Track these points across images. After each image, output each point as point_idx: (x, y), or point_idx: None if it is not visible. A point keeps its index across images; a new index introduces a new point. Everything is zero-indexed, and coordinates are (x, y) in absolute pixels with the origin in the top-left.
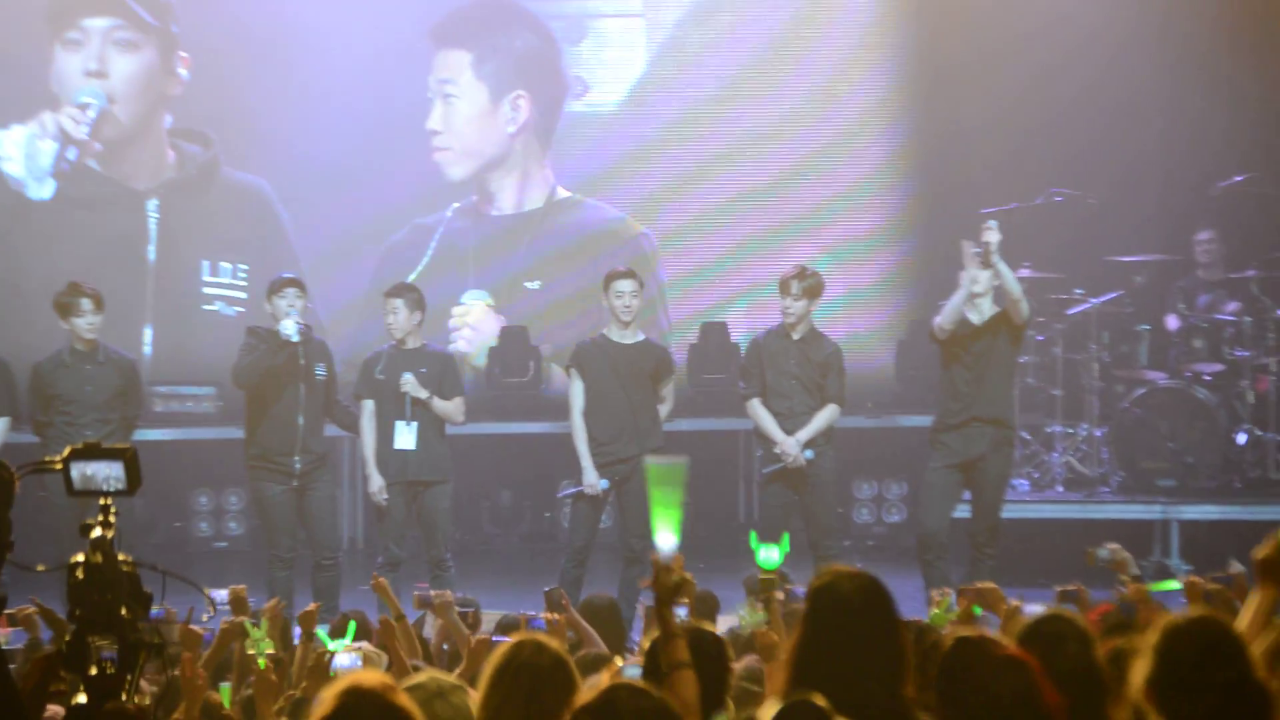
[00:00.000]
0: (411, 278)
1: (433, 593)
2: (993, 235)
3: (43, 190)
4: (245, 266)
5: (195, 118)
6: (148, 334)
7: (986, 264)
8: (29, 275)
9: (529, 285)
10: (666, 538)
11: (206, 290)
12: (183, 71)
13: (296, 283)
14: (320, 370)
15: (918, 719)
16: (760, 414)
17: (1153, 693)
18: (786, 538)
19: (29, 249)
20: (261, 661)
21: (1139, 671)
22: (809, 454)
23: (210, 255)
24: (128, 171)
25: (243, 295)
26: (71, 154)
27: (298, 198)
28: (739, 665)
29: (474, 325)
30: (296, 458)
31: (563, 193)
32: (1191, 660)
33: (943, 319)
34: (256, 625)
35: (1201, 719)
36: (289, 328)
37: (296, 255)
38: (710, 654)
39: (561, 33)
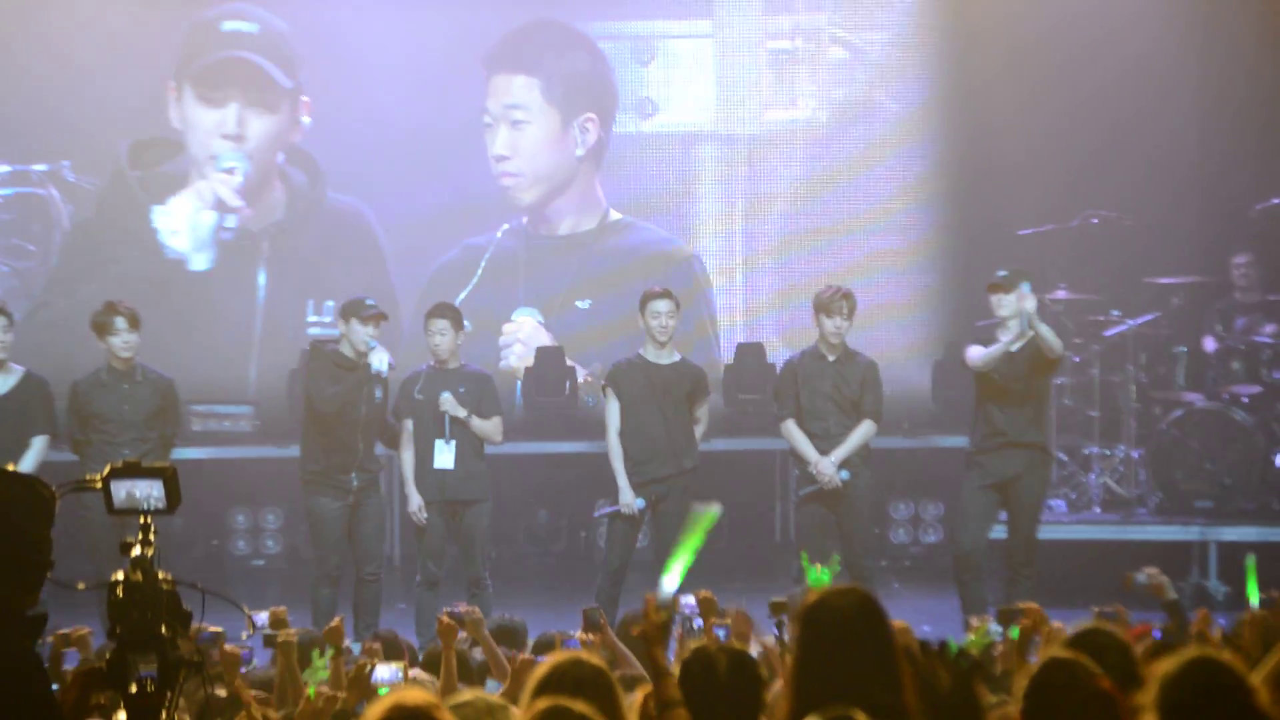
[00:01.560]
0: (461, 297)
1: (463, 609)
2: (1029, 303)
3: (203, 261)
4: (331, 301)
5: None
6: (252, 373)
7: (1030, 326)
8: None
9: (580, 305)
10: (671, 580)
11: (310, 331)
12: (305, 119)
13: (383, 316)
14: (379, 392)
15: None
16: (795, 435)
17: None
18: (836, 559)
19: (142, 289)
20: (311, 690)
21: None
22: (845, 474)
23: (315, 294)
24: (244, 215)
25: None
26: (231, 222)
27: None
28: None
29: (525, 340)
30: (354, 475)
31: (615, 215)
32: (1190, 704)
33: (981, 361)
34: (321, 654)
35: None
36: (379, 362)
37: (393, 284)
38: (745, 674)
39: (630, 53)
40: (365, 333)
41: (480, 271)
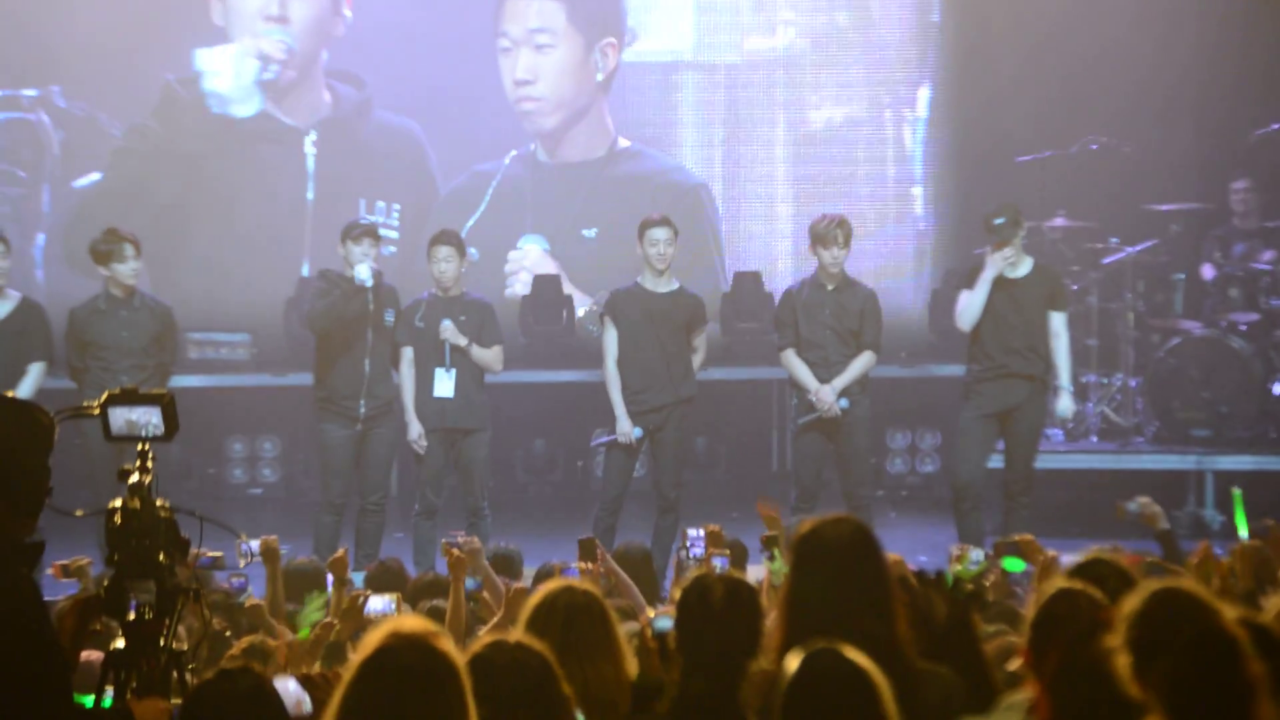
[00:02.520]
0: (469, 224)
1: (460, 539)
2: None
3: (248, 107)
4: (398, 206)
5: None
6: (306, 270)
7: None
8: (190, 209)
9: (586, 233)
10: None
11: None
12: (347, 12)
13: (372, 231)
14: (389, 316)
15: (913, 656)
16: (794, 364)
17: (1131, 673)
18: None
19: (192, 183)
20: (304, 632)
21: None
22: (844, 403)
23: (366, 194)
24: (287, 107)
25: (394, 235)
26: (272, 71)
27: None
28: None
29: (531, 269)
30: (362, 401)
31: (623, 142)
32: (1157, 637)
33: (963, 319)
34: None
35: (1167, 677)
36: (363, 272)
37: (442, 199)
38: (745, 603)
39: None
40: (359, 251)
41: (488, 198)
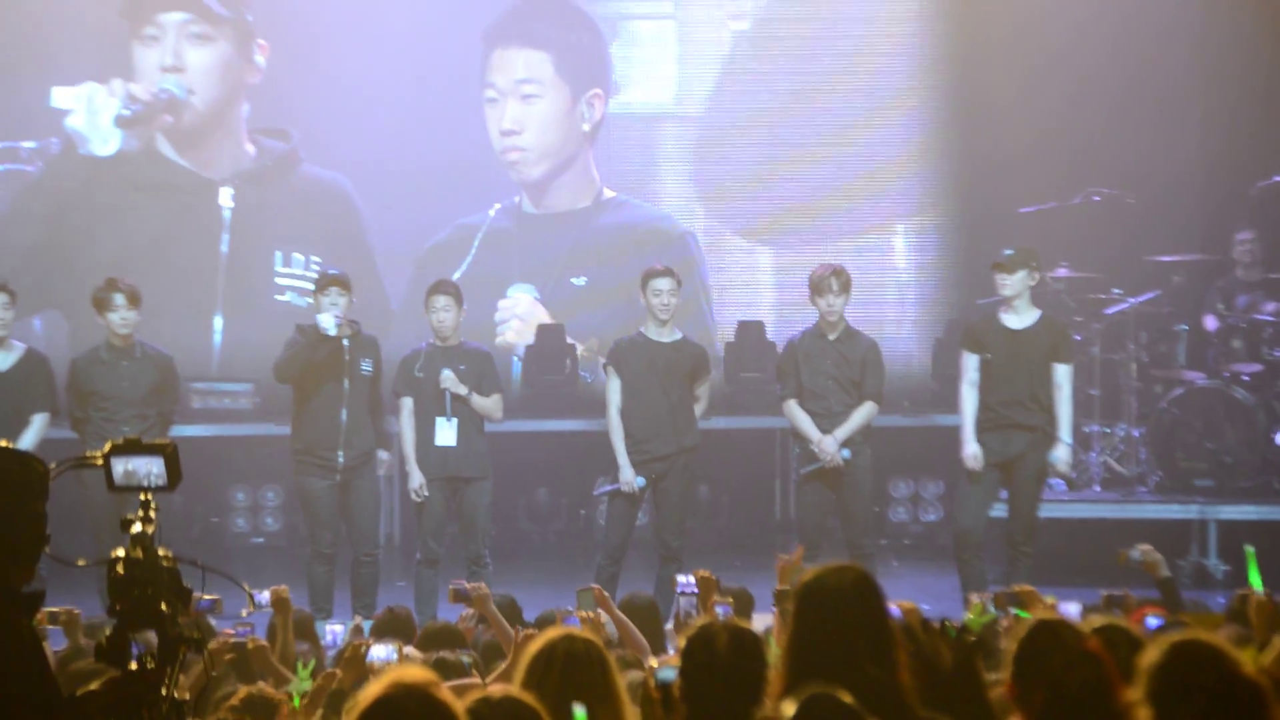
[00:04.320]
0: (456, 276)
1: (469, 585)
2: (1062, 459)
3: (107, 146)
4: (318, 259)
5: (275, 112)
6: (218, 323)
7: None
8: (99, 262)
9: (575, 281)
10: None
11: (279, 281)
12: (259, 59)
13: (339, 281)
14: (366, 366)
15: (915, 704)
16: (796, 415)
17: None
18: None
19: (100, 234)
20: (296, 701)
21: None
22: (846, 453)
23: (283, 246)
24: (205, 160)
25: (310, 286)
26: (132, 108)
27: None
28: None
29: (521, 316)
30: (340, 452)
31: (608, 193)
32: (1179, 690)
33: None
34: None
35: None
36: (326, 322)
37: (373, 252)
38: (749, 651)
39: None
40: (325, 301)
41: (474, 250)
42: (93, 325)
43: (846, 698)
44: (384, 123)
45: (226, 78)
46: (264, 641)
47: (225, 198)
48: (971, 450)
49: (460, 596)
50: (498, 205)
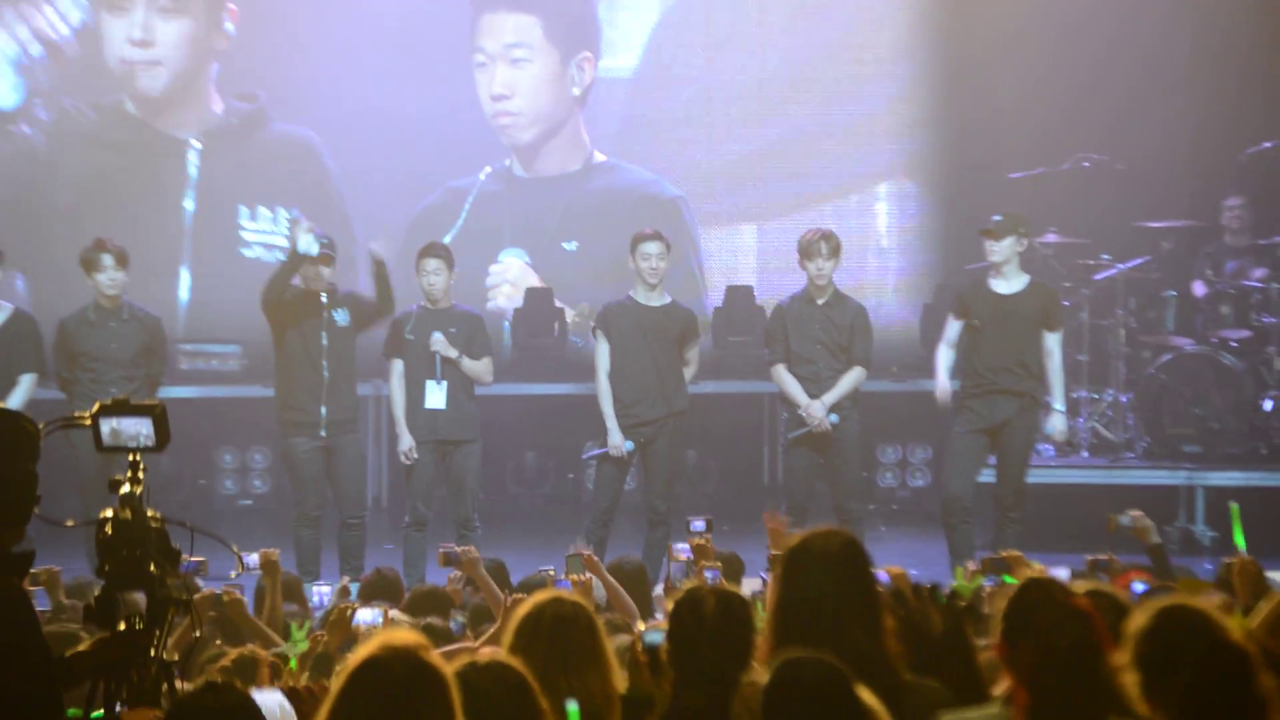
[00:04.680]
0: (446, 239)
1: (459, 549)
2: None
3: (10, 98)
4: (288, 212)
5: (244, 73)
6: (184, 279)
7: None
8: (63, 222)
9: (566, 246)
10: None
11: (245, 236)
12: (229, 26)
13: (328, 255)
14: (340, 317)
15: (900, 669)
16: (785, 379)
17: (1141, 691)
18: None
19: (66, 193)
20: (293, 663)
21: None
22: (834, 418)
23: (249, 201)
24: (173, 122)
25: (284, 241)
26: (36, 50)
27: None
28: None
29: (513, 281)
30: (323, 407)
31: (599, 156)
32: (1167, 655)
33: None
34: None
35: (1180, 693)
36: (307, 245)
37: (344, 204)
38: (737, 616)
39: None
40: (302, 242)
41: (464, 214)
42: (53, 282)
43: (829, 659)
44: (368, 85)
45: (195, 47)
46: (239, 595)
47: (191, 156)
48: (942, 386)
49: (449, 560)
50: (488, 169)
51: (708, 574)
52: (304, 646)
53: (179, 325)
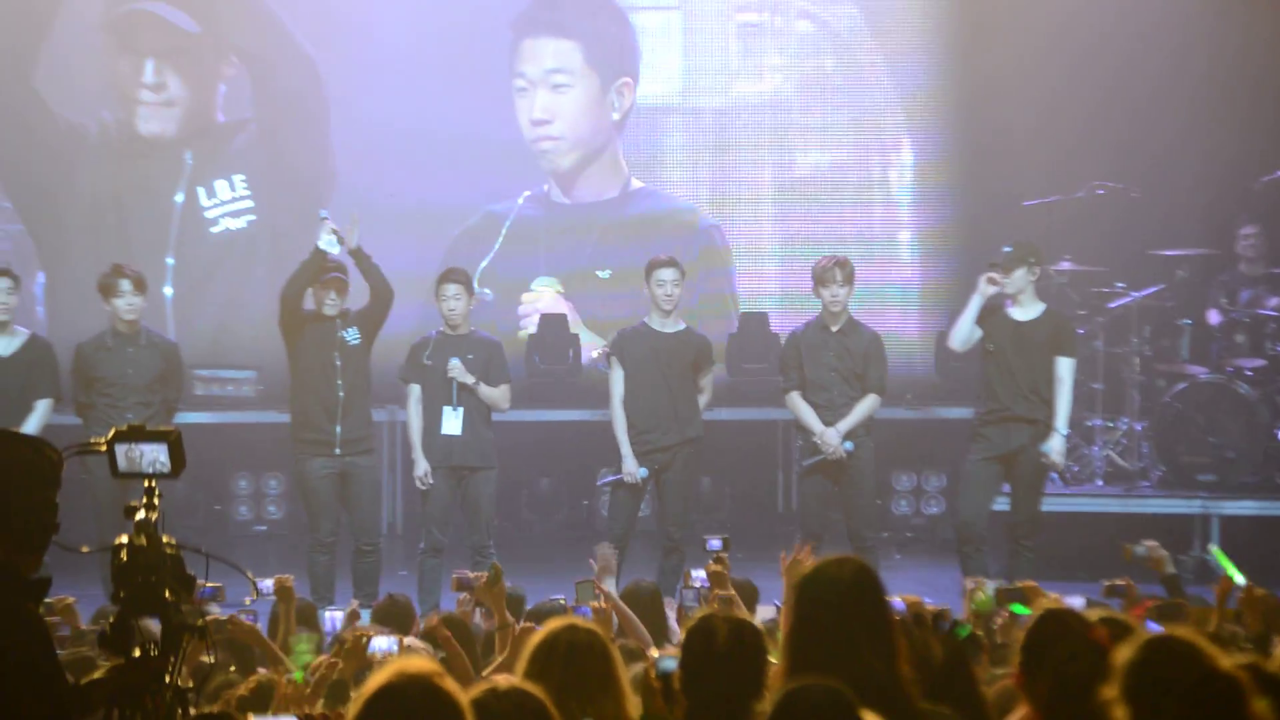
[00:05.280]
0: (484, 264)
1: (472, 575)
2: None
3: None
4: (242, 176)
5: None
6: (169, 265)
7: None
8: (74, 220)
9: (600, 274)
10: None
11: (209, 215)
12: (229, 70)
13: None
14: (351, 336)
15: (914, 696)
16: (799, 406)
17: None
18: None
19: (76, 192)
20: (299, 675)
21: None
22: (849, 445)
23: (204, 182)
24: (172, 134)
25: (249, 204)
26: None
27: (374, 183)
28: None
29: (545, 310)
30: (338, 426)
31: (636, 183)
32: (1154, 688)
33: (953, 339)
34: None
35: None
36: (330, 244)
37: (454, 238)
38: (749, 644)
39: None
40: (324, 240)
41: (501, 239)
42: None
43: (836, 685)
44: (408, 106)
45: (204, 82)
46: (247, 620)
47: (187, 157)
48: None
49: (463, 585)
50: (526, 193)
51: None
52: (308, 658)
53: (167, 320)
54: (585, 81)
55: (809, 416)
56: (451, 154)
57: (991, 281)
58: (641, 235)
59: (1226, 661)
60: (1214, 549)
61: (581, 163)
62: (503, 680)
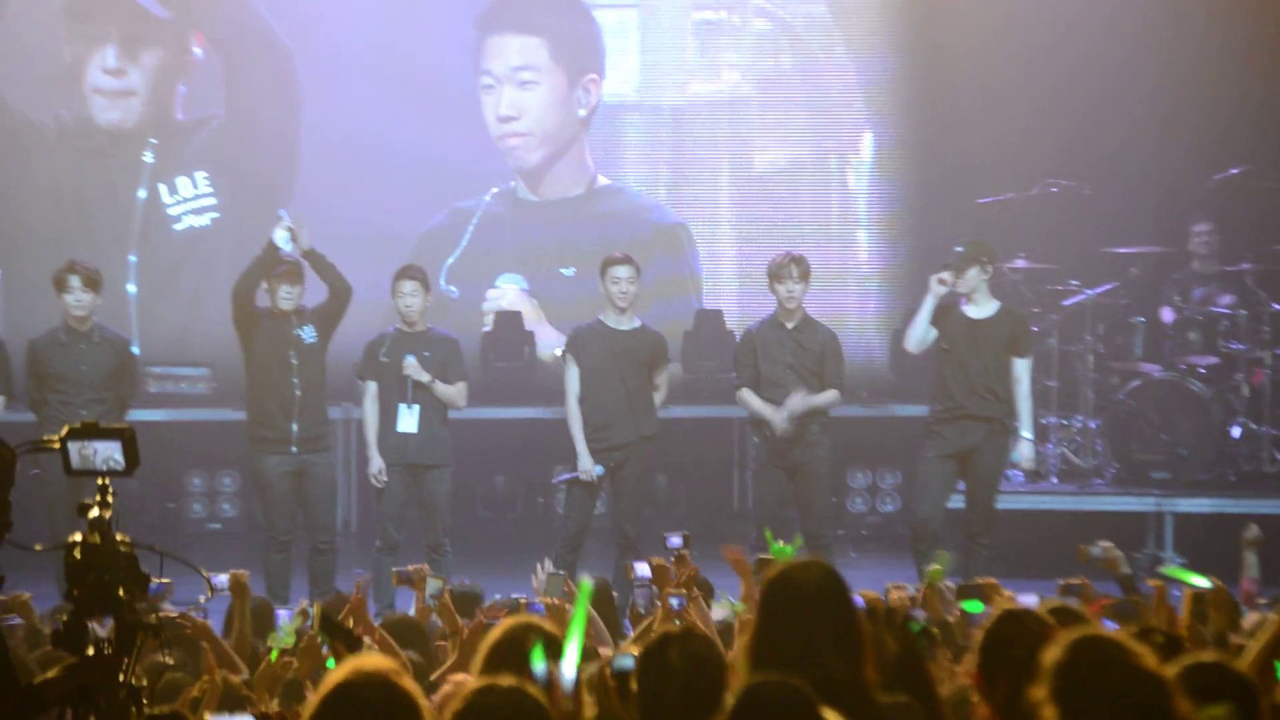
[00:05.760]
0: (450, 261)
1: (411, 568)
2: (1025, 454)
3: None
4: (204, 173)
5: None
6: (132, 262)
7: None
8: (32, 216)
9: (564, 272)
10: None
11: (171, 212)
12: (196, 50)
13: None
14: (306, 334)
15: (879, 699)
16: (749, 399)
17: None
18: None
19: (34, 187)
20: (274, 655)
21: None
22: (784, 414)
23: (165, 178)
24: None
25: (211, 200)
26: None
27: (334, 183)
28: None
29: (508, 307)
30: (294, 424)
31: (603, 180)
32: (1083, 688)
33: (908, 341)
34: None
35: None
36: (281, 238)
37: (420, 236)
38: (705, 660)
39: None
40: (279, 236)
41: (468, 236)
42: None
43: (795, 682)
44: (371, 107)
45: (166, 75)
46: (199, 619)
47: (147, 154)
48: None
49: (403, 579)
50: (494, 189)
51: (673, 601)
52: (289, 641)
53: (130, 316)
54: (551, 78)
55: (758, 404)
56: (417, 152)
57: (942, 282)
58: (608, 233)
59: (1153, 661)
60: (1168, 569)
61: (548, 159)
62: (504, 679)
